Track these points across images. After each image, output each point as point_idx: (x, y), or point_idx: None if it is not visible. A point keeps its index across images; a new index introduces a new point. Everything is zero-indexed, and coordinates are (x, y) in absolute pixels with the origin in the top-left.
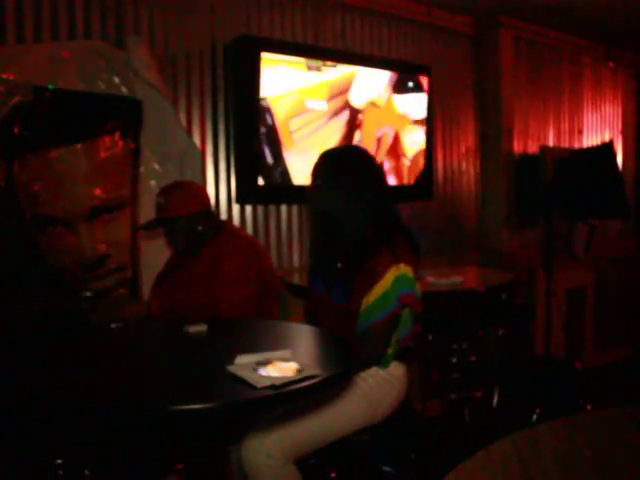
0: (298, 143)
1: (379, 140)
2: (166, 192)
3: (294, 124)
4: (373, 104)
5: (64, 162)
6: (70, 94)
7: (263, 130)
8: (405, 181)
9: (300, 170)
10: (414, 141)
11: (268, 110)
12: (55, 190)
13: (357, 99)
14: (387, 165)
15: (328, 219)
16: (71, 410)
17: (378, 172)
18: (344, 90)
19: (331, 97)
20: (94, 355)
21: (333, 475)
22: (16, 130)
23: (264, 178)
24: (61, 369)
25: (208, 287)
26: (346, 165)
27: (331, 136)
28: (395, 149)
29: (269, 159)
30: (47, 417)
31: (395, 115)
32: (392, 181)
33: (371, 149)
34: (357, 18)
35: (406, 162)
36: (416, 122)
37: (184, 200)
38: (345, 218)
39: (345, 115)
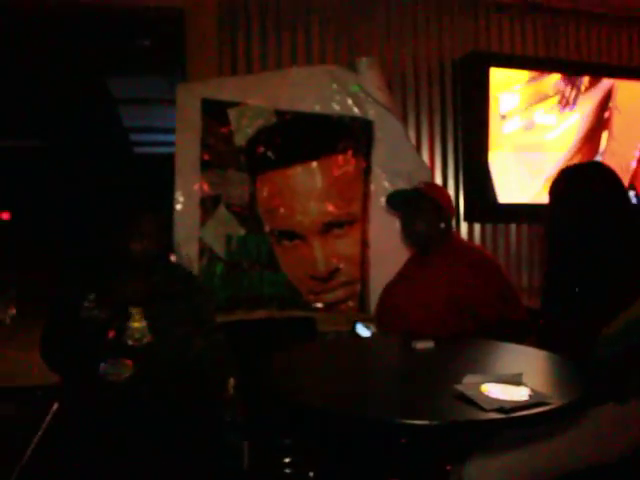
0: (527, 159)
1: None
2: (427, 183)
3: (522, 139)
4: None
5: (301, 179)
6: (307, 116)
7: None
8: None
9: (529, 188)
10: None
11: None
12: (292, 205)
13: (597, 110)
14: None
15: (568, 240)
16: (298, 415)
17: (621, 191)
18: (579, 102)
19: (563, 109)
20: (319, 363)
21: None
22: (259, 150)
23: (493, 196)
24: (288, 375)
25: (442, 297)
26: (587, 183)
27: (561, 151)
28: None
29: (496, 177)
30: (277, 420)
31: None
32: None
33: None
34: (593, 25)
35: None
36: None
37: (443, 193)
38: (586, 240)
39: (581, 128)
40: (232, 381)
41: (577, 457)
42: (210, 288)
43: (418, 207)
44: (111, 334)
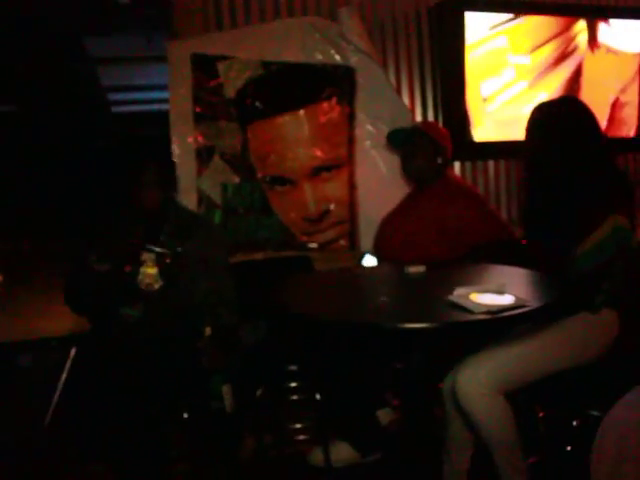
0: (501, 99)
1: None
2: (426, 121)
3: (496, 80)
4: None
5: (289, 127)
6: (292, 66)
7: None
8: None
9: (506, 125)
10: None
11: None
12: (282, 152)
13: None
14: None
15: (544, 172)
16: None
17: (594, 124)
18: (557, 42)
19: (536, 50)
20: (322, 290)
21: (542, 415)
22: (248, 101)
23: (471, 135)
24: (290, 296)
25: (434, 229)
26: (562, 118)
27: (540, 89)
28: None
29: (474, 115)
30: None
31: (616, 63)
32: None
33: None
34: None
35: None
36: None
37: (440, 130)
38: (560, 171)
39: (560, 69)
40: (208, 330)
41: (555, 360)
42: (219, 229)
43: (415, 143)
44: (126, 268)
